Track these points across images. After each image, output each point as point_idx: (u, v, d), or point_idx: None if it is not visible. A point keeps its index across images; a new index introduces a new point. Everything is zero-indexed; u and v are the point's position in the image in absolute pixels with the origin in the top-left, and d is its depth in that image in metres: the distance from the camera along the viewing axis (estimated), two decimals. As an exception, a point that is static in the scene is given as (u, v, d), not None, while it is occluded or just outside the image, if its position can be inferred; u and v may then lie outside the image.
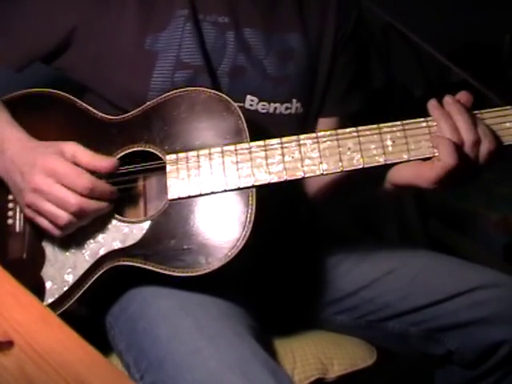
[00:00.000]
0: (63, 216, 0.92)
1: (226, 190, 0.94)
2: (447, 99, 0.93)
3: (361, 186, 1.08)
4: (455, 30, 2.47)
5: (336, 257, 1.18)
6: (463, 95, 0.95)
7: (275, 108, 1.09)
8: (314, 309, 1.19)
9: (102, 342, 0.91)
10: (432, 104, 0.93)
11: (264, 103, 1.08)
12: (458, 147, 0.89)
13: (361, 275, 1.16)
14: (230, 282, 0.97)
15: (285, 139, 0.94)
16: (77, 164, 0.94)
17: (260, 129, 0.99)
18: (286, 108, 1.10)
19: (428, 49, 1.13)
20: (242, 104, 1.06)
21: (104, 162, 0.95)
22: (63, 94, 1.06)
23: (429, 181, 0.92)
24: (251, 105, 1.08)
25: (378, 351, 1.21)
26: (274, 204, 1.00)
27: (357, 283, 1.15)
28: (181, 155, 0.96)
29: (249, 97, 1.08)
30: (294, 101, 1.11)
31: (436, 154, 0.91)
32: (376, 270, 1.16)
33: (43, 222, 0.95)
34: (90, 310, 1.00)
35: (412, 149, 0.92)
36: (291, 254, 1.19)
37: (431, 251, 1.22)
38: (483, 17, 2.46)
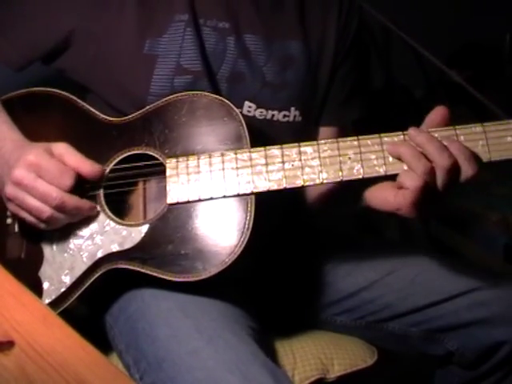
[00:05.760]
0: (45, 210, 0.92)
1: (225, 196, 0.93)
2: (411, 132, 0.89)
3: (342, 198, 1.07)
4: (455, 30, 2.47)
5: (336, 257, 1.18)
6: (438, 111, 0.91)
7: (273, 115, 1.08)
8: (315, 310, 1.19)
9: (102, 341, 0.91)
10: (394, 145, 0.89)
11: (262, 110, 1.08)
12: (426, 170, 0.85)
13: (361, 276, 1.16)
14: (229, 282, 0.97)
15: (285, 146, 0.93)
16: (63, 164, 0.93)
17: (259, 135, 0.98)
18: (284, 116, 1.09)
19: (424, 52, 1.12)
20: (239, 110, 1.04)
21: (91, 167, 0.95)
22: (64, 93, 1.05)
23: (409, 209, 0.87)
24: (249, 111, 1.07)
25: (379, 351, 1.21)
26: (273, 209, 0.99)
27: (357, 284, 1.16)
28: (181, 159, 0.95)
29: (247, 103, 1.07)
30: (293, 109, 1.10)
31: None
32: (376, 270, 1.16)
33: (26, 216, 0.95)
34: (89, 310, 1.00)
35: None
36: (291, 255, 1.19)
37: (431, 252, 1.22)
38: (483, 17, 2.46)
